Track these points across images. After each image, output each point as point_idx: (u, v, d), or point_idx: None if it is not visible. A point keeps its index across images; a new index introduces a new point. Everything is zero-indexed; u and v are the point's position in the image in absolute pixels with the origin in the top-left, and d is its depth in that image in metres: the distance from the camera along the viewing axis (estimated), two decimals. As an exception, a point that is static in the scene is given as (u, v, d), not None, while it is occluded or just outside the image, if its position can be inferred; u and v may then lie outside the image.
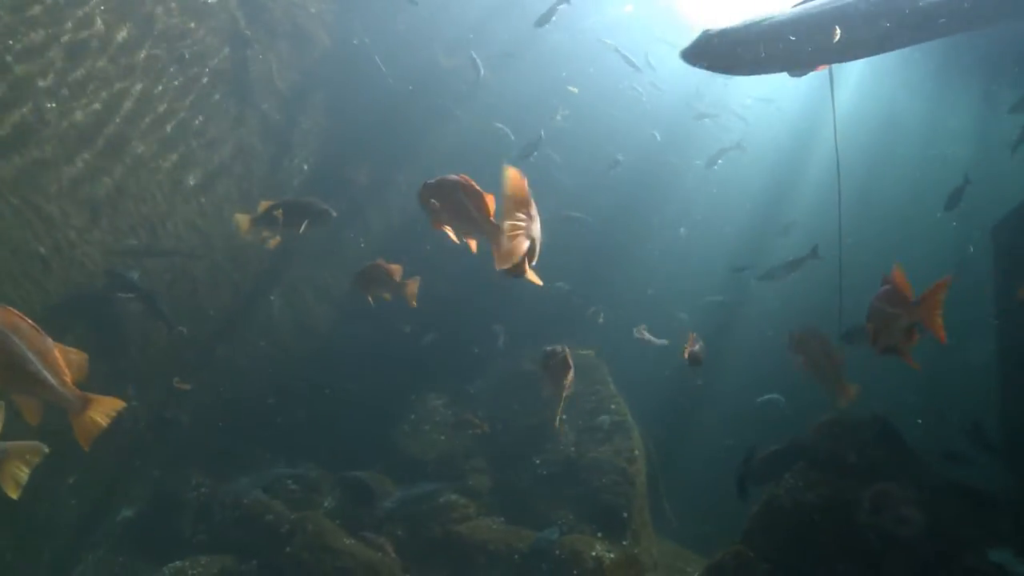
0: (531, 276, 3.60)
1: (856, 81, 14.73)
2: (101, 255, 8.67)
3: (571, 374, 4.90)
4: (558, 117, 12.86)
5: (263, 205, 6.96)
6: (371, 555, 7.70)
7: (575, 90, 11.20)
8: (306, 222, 6.80)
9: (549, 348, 5.01)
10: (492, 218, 3.67)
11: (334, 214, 6.95)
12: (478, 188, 3.69)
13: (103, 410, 3.68)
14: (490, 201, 3.65)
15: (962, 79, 13.47)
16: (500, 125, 12.07)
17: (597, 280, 13.56)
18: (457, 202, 3.69)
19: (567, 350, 4.97)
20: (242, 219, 6.87)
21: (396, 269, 6.40)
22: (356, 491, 7.99)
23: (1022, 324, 8.09)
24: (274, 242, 7.14)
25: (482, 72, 11.61)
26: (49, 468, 8.01)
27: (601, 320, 11.46)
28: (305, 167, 12.24)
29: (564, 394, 4.90)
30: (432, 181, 3.83)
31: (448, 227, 3.86)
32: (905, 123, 15.80)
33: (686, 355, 6.10)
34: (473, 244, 3.93)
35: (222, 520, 8.54)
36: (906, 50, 13.21)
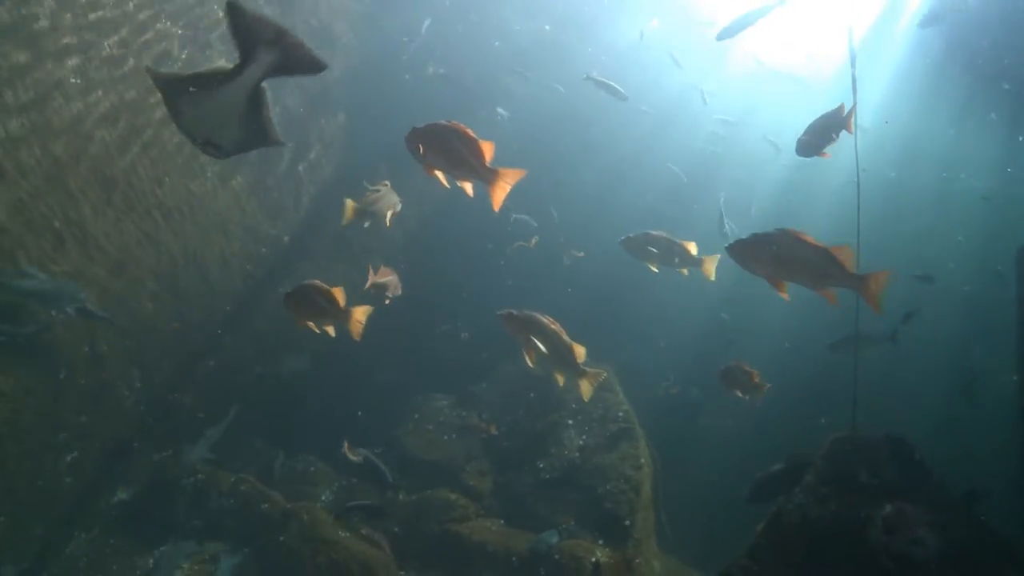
0: None
1: (878, 103, 14.64)
2: (115, 232, 8.67)
3: (533, 324, 4.68)
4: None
5: (369, 195, 7.21)
6: (366, 549, 7.55)
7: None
8: (391, 212, 7.13)
9: (503, 311, 4.80)
10: (487, 162, 3.76)
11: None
12: (472, 134, 3.75)
13: None
14: (485, 147, 3.72)
15: (987, 102, 13.34)
16: None
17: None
18: (451, 147, 3.74)
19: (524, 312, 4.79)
20: (350, 205, 7.00)
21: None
22: (364, 469, 7.83)
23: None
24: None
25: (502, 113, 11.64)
26: (48, 444, 8.03)
27: (674, 391, 11.40)
28: (323, 161, 12.26)
29: (536, 345, 4.70)
30: (421, 126, 3.88)
31: (440, 172, 3.94)
32: (927, 148, 15.64)
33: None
34: (468, 187, 4.03)
35: (217, 507, 8.42)
36: (931, 76, 13.10)
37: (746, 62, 14.75)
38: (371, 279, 7.09)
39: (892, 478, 6.75)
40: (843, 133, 6.16)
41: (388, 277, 7.21)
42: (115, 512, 8.92)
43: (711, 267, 6.01)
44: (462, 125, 3.88)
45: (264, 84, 3.04)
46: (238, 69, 2.91)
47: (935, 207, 16.07)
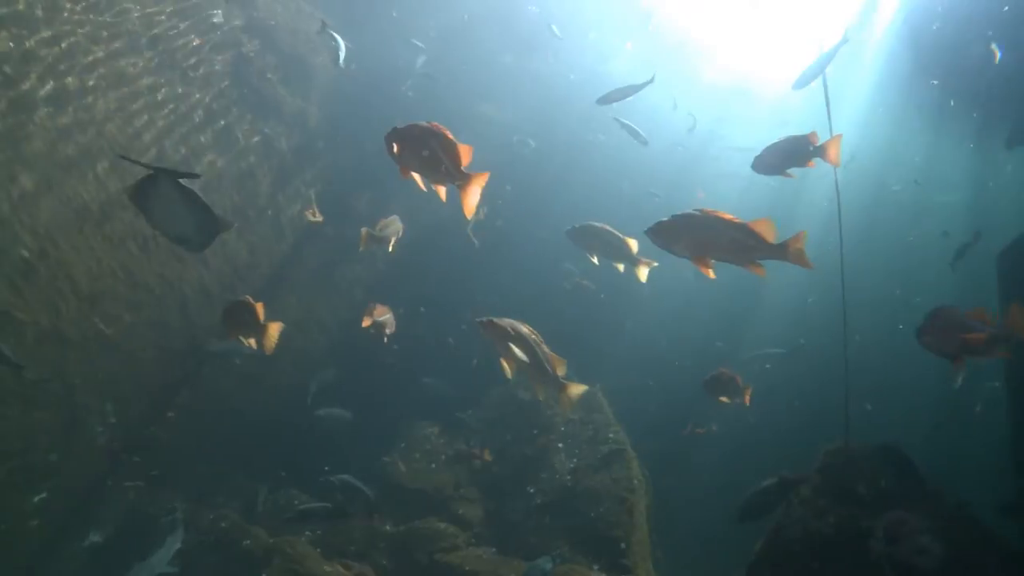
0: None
1: (851, 124, 14.92)
2: (84, 263, 8.44)
3: (514, 333, 4.48)
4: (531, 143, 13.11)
5: (381, 223, 7.73)
6: (353, 583, 7.23)
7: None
8: (395, 239, 7.61)
9: (484, 318, 4.58)
10: (463, 167, 3.68)
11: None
12: (451, 136, 3.67)
13: None
14: (463, 151, 3.65)
15: (957, 119, 13.67)
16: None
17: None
18: (428, 149, 3.64)
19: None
20: (364, 232, 7.54)
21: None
22: (347, 495, 7.61)
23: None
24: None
25: None
26: (14, 484, 7.66)
27: (700, 431, 11.38)
28: (303, 189, 12.15)
29: (515, 353, 4.45)
30: (401, 126, 3.81)
31: (416, 174, 3.85)
32: (902, 164, 15.96)
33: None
34: (442, 191, 3.95)
35: (197, 545, 8.05)
36: (902, 96, 13.33)
37: (719, 81, 15.02)
38: (370, 317, 7.31)
39: (889, 488, 6.65)
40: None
41: (385, 315, 7.42)
42: (86, 556, 8.52)
43: (644, 270, 6.09)
44: (442, 127, 3.80)
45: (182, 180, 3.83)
46: (155, 173, 3.77)
47: (913, 220, 16.35)
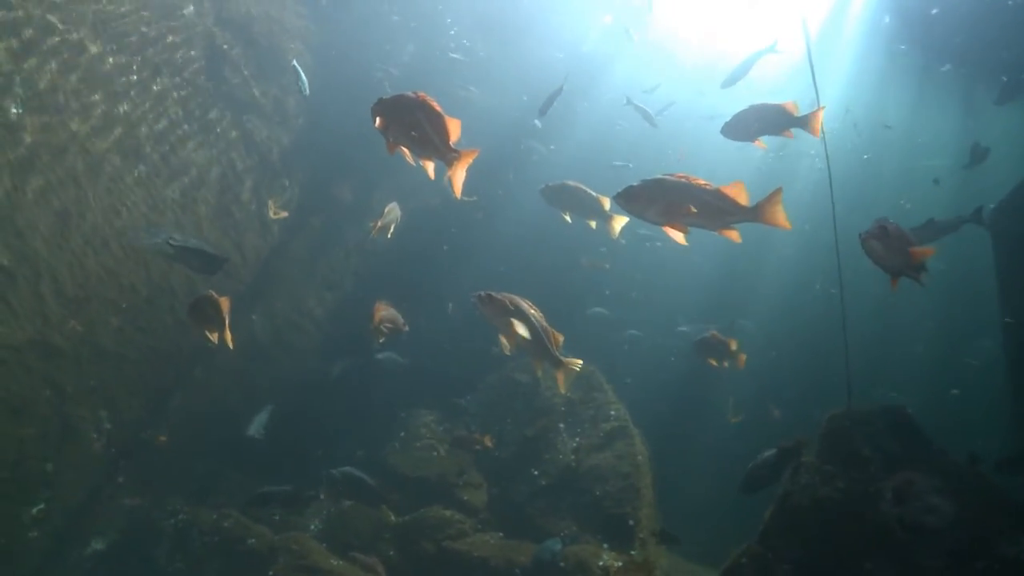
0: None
1: (838, 89, 14.84)
2: (71, 267, 8.25)
3: (513, 308, 4.35)
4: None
5: (386, 210, 7.89)
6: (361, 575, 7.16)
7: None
8: (392, 227, 7.80)
9: (481, 293, 4.42)
10: (451, 142, 3.52)
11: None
12: (438, 108, 3.51)
13: None
14: (452, 125, 3.48)
15: (943, 84, 13.63)
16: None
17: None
18: (414, 121, 3.48)
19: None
20: (375, 224, 7.79)
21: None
22: (351, 487, 7.55)
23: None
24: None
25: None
26: (9, 496, 7.51)
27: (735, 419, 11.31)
28: (287, 183, 11.95)
29: (517, 328, 4.29)
30: (387, 97, 3.68)
31: (404, 148, 3.68)
32: (888, 133, 15.92)
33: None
34: (429, 167, 3.79)
35: (201, 546, 7.96)
36: (885, 64, 13.23)
37: (700, 57, 14.90)
38: (378, 315, 7.20)
39: (894, 449, 6.62)
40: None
41: (387, 311, 7.28)
42: (89, 564, 8.40)
43: (617, 226, 6.08)
44: (430, 98, 3.64)
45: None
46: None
47: (901, 188, 16.34)
